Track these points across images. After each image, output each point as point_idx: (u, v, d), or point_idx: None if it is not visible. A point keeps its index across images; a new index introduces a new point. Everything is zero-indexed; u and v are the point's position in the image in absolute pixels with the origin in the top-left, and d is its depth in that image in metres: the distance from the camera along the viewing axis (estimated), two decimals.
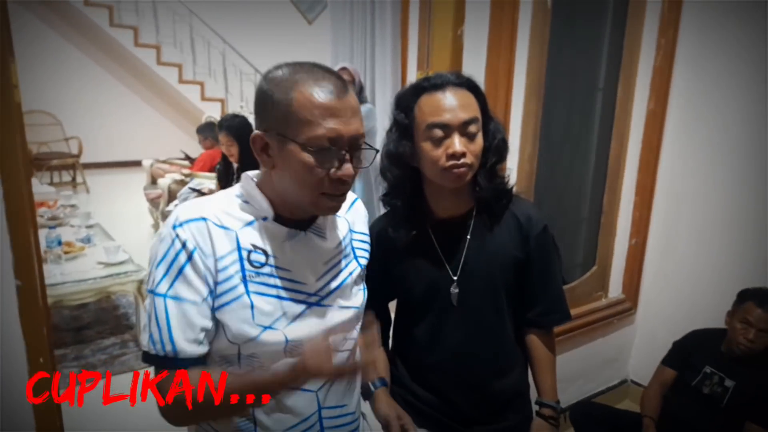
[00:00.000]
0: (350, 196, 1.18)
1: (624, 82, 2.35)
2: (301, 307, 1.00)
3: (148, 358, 0.92)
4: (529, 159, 2.10)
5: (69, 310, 3.14)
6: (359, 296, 1.12)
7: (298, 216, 1.01)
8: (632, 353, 2.79)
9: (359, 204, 1.21)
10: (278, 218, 1.00)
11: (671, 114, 2.46)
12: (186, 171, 4.91)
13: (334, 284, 1.05)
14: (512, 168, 2.05)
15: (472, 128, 1.15)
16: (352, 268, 1.11)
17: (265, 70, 0.98)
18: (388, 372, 1.39)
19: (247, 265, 0.95)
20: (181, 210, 0.94)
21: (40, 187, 4.70)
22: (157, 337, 0.90)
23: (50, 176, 7.19)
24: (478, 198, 1.25)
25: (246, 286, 0.95)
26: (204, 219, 0.92)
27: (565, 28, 2.13)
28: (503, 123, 1.97)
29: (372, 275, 1.31)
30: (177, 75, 7.95)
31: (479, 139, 1.17)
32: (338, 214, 1.10)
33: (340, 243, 1.10)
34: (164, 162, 5.42)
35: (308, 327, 1.00)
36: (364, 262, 1.16)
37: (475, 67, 1.87)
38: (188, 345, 0.91)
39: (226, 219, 0.95)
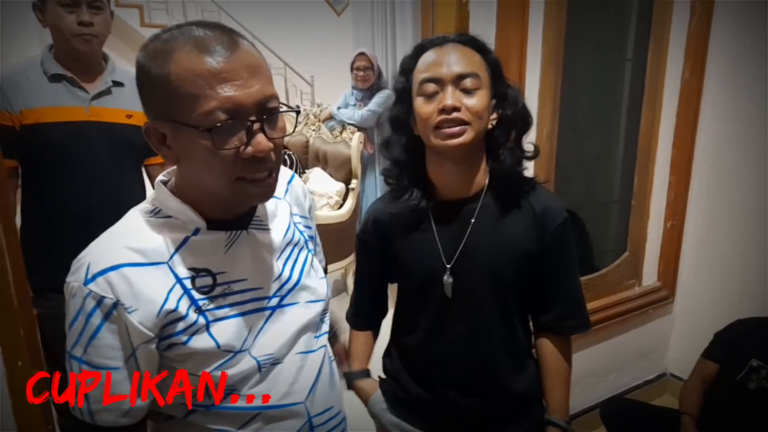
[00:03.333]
0: (286, 173, 1.00)
1: (654, 50, 2.15)
2: (264, 316, 0.87)
3: (77, 423, 0.80)
4: (548, 138, 1.93)
5: None
6: (322, 286, 0.98)
7: (234, 211, 0.84)
8: (671, 345, 2.58)
9: (296, 181, 1.04)
10: (212, 223, 0.82)
11: (709, 84, 2.24)
12: None
13: (292, 280, 0.92)
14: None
15: (469, 83, 1.03)
16: (304, 255, 0.97)
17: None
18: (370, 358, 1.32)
19: (196, 295, 0.80)
20: (90, 257, 0.75)
21: None
22: (74, 403, 0.78)
23: None
24: (492, 173, 1.12)
25: (205, 318, 0.80)
26: (122, 266, 0.75)
27: None
28: None
29: (370, 258, 1.26)
30: None
31: (480, 96, 1.04)
32: (277, 196, 0.92)
33: (286, 232, 0.94)
34: None
35: (274, 335, 0.88)
36: (312, 245, 1.03)
37: (483, 37, 1.72)
38: (110, 416, 0.79)
39: (151, 251, 0.77)
